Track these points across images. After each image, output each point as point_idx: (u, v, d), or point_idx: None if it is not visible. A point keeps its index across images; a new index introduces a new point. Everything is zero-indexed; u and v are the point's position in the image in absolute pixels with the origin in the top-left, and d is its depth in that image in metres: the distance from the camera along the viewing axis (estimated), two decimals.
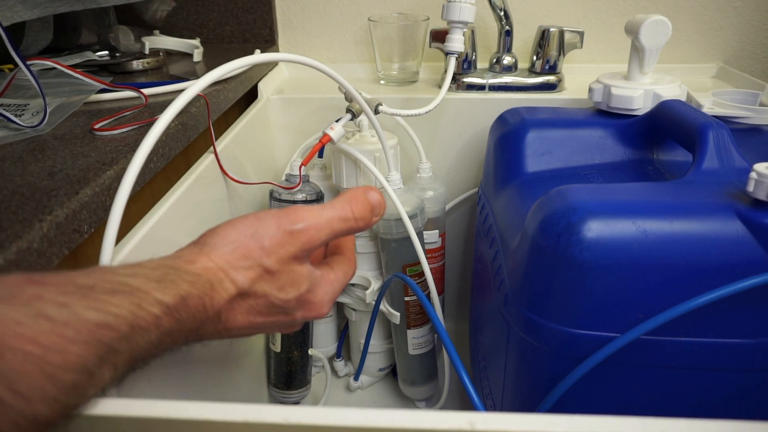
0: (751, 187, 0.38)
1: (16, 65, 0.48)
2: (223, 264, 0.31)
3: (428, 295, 0.65)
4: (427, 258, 0.64)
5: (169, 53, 0.81)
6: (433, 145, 0.80)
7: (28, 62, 0.49)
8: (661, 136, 0.57)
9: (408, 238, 0.62)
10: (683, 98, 0.61)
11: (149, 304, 0.26)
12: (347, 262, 0.42)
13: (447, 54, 0.74)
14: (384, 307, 0.70)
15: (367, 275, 0.71)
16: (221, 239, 0.32)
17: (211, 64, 0.77)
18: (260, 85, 0.79)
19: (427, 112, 0.69)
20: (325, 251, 0.45)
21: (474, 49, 0.80)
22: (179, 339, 0.29)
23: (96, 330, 0.24)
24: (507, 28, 0.79)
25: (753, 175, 0.38)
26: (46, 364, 0.22)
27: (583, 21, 0.87)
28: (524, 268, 0.44)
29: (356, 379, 0.79)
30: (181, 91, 0.40)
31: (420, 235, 0.65)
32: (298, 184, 0.62)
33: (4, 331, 0.21)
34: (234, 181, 0.61)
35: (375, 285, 0.70)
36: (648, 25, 0.59)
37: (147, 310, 0.26)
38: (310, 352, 0.73)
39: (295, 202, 0.63)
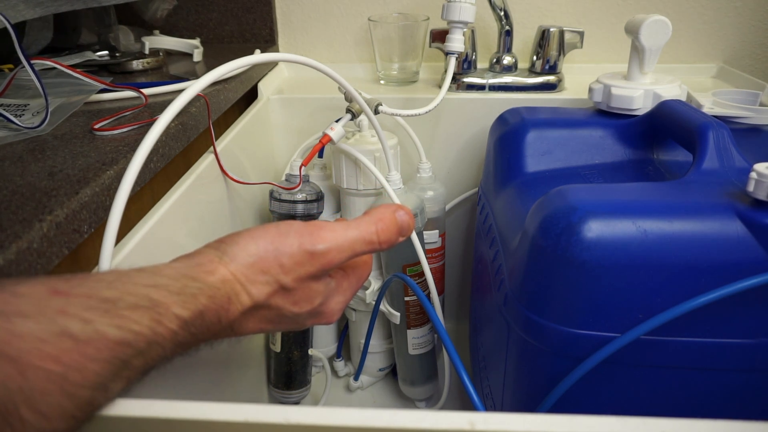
0: (751, 187, 0.38)
1: (16, 65, 0.48)
2: (240, 277, 0.31)
3: (428, 295, 0.65)
4: (427, 258, 0.64)
5: (169, 53, 0.81)
6: (433, 145, 0.80)
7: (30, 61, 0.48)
8: (661, 136, 0.57)
9: (408, 238, 0.62)
10: (683, 98, 0.61)
11: (168, 319, 0.26)
12: (363, 266, 0.41)
13: (447, 54, 0.74)
14: (384, 307, 0.70)
15: None
16: (241, 250, 0.32)
17: (211, 64, 0.77)
18: (260, 85, 0.79)
19: (427, 112, 0.69)
20: None
21: (474, 49, 0.80)
22: (191, 348, 0.29)
23: (116, 348, 0.24)
24: (507, 28, 0.79)
25: (753, 175, 0.38)
26: (67, 382, 0.22)
27: (583, 21, 0.87)
28: (524, 268, 0.44)
29: (356, 379, 0.79)
30: (181, 91, 0.40)
31: (420, 235, 0.65)
32: (299, 185, 0.62)
33: (29, 349, 0.21)
34: (234, 182, 0.61)
35: (375, 285, 0.70)
36: (648, 25, 0.59)
37: (165, 325, 0.26)
38: (310, 352, 0.73)
39: (295, 202, 0.63)
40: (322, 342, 0.81)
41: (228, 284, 0.31)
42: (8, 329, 0.21)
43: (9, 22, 0.48)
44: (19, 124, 0.47)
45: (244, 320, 0.33)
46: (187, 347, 0.29)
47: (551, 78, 0.78)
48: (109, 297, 0.25)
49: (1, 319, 0.21)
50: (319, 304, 0.36)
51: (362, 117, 0.64)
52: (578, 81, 0.81)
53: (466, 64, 0.79)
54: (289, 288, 0.33)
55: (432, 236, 0.74)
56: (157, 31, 0.81)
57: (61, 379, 0.22)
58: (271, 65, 0.86)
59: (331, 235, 0.34)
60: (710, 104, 0.62)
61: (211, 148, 0.57)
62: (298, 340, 0.71)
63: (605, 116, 0.61)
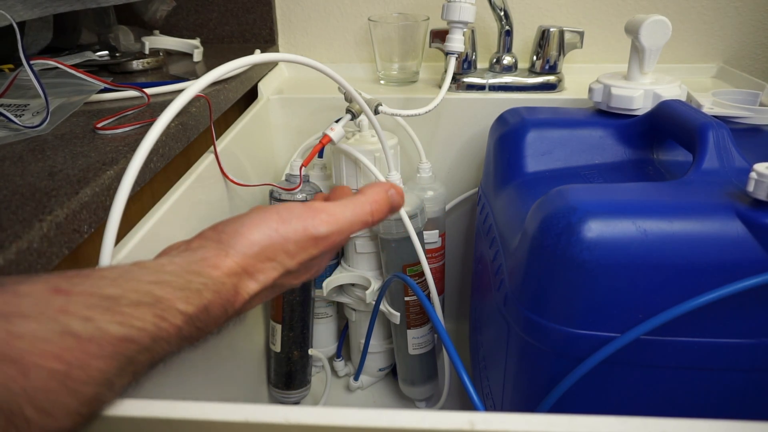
0: (751, 187, 0.38)
1: (16, 65, 0.48)
2: (247, 267, 0.32)
3: (428, 295, 0.65)
4: (427, 258, 0.64)
5: (169, 53, 0.81)
6: (433, 145, 0.80)
7: (31, 62, 0.49)
8: (661, 136, 0.57)
9: (408, 238, 0.62)
10: (683, 98, 0.61)
11: (172, 315, 0.26)
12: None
13: (447, 54, 0.74)
14: (384, 307, 0.70)
15: (367, 275, 0.71)
16: (245, 240, 0.32)
17: (211, 64, 0.77)
18: (260, 85, 0.79)
19: (427, 112, 0.69)
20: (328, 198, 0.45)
21: (474, 49, 0.80)
22: (198, 340, 0.29)
23: (119, 344, 0.24)
24: (507, 28, 0.79)
25: (753, 175, 0.38)
26: (70, 380, 0.22)
27: (583, 21, 0.87)
28: (524, 268, 0.44)
29: (356, 379, 0.79)
30: (181, 90, 0.40)
31: (420, 235, 0.65)
32: (299, 185, 0.62)
33: (30, 349, 0.21)
34: (234, 183, 0.60)
35: (375, 285, 0.70)
36: (648, 25, 0.59)
37: (170, 321, 0.26)
38: (310, 352, 0.73)
39: (295, 202, 0.63)
40: (322, 342, 0.81)
41: (235, 276, 0.31)
42: (9, 330, 0.21)
43: (14, 22, 0.48)
44: (20, 123, 0.47)
45: (250, 302, 0.33)
46: (193, 340, 0.29)
47: (551, 78, 0.78)
48: (110, 294, 0.25)
49: (2, 320, 0.21)
50: (315, 270, 0.39)
51: (362, 117, 0.64)
52: (578, 81, 0.81)
53: (466, 64, 0.79)
54: (294, 270, 0.34)
55: (432, 236, 0.74)
56: (157, 31, 0.81)
57: (64, 377, 0.22)
58: (271, 65, 0.86)
59: (332, 218, 0.35)
60: (710, 104, 0.62)
61: (212, 148, 0.57)
62: (298, 340, 0.71)
63: (605, 116, 0.61)
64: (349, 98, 0.62)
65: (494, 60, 0.81)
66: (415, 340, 0.70)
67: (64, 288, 0.24)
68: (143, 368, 0.26)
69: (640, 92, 0.59)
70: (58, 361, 0.22)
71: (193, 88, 0.39)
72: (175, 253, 0.31)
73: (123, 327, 0.24)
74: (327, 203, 0.36)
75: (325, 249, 0.35)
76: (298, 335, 0.71)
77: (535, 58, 0.79)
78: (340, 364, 0.82)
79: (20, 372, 0.21)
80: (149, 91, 0.58)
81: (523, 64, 0.82)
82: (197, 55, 0.78)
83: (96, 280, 0.25)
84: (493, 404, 0.56)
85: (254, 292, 0.32)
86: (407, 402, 0.78)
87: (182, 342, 0.28)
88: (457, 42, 0.73)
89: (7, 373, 0.21)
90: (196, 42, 0.79)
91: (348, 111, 0.62)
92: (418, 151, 0.74)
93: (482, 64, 0.83)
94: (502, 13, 0.78)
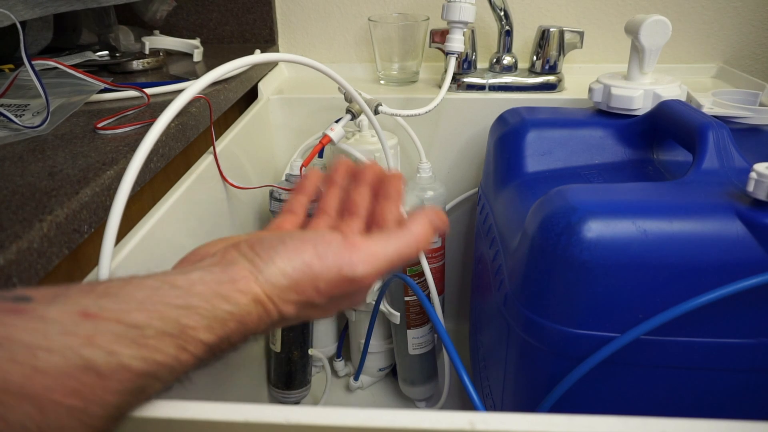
0: (751, 187, 0.38)
1: (16, 66, 0.48)
2: (274, 297, 0.31)
3: (428, 295, 0.65)
4: (427, 258, 0.64)
5: (169, 53, 0.81)
6: (433, 145, 0.80)
7: (32, 61, 0.48)
8: (661, 136, 0.57)
9: None
10: (683, 98, 0.61)
11: (194, 346, 0.26)
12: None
13: (447, 54, 0.74)
14: (384, 307, 0.70)
15: None
16: (278, 270, 0.31)
17: (211, 64, 0.77)
18: (260, 85, 0.79)
19: (427, 112, 0.69)
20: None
21: (474, 49, 0.80)
22: (212, 362, 0.29)
23: (137, 379, 0.24)
24: (507, 28, 0.79)
25: (753, 175, 0.38)
26: (86, 416, 0.22)
27: (583, 21, 0.87)
28: (524, 268, 0.44)
29: (356, 379, 0.79)
30: (181, 90, 0.40)
31: None
32: None
33: (51, 386, 0.21)
34: (234, 187, 0.60)
35: (375, 285, 0.70)
36: (648, 25, 0.59)
37: (190, 352, 0.26)
38: (310, 352, 0.73)
39: None
40: (322, 342, 0.81)
41: (261, 304, 0.30)
42: (32, 365, 0.21)
43: (17, 21, 0.48)
44: (20, 123, 0.47)
45: (268, 328, 0.32)
46: (207, 363, 0.29)
47: (551, 78, 0.78)
48: (137, 322, 0.24)
49: (27, 353, 0.21)
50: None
51: (362, 117, 0.64)
52: (578, 81, 0.81)
53: (466, 64, 0.79)
54: (320, 305, 0.33)
55: None
56: (157, 31, 0.81)
57: (81, 414, 0.22)
58: (271, 65, 0.86)
59: (371, 258, 0.33)
60: (710, 104, 0.62)
61: (211, 148, 0.57)
62: (298, 340, 0.71)
63: (605, 116, 0.61)
64: (349, 98, 0.62)
65: (494, 60, 0.81)
66: (415, 340, 0.70)
67: (93, 312, 0.23)
68: (154, 395, 0.26)
69: (640, 92, 0.59)
70: (77, 397, 0.21)
71: (192, 89, 0.39)
72: (209, 263, 0.31)
73: (145, 363, 0.24)
74: (368, 239, 0.34)
75: (359, 288, 0.33)
76: (298, 335, 0.71)
77: (535, 58, 0.79)
78: (340, 364, 0.82)
79: (38, 410, 0.21)
80: (149, 91, 0.58)
81: (523, 64, 0.82)
82: (197, 55, 0.78)
83: (124, 302, 0.25)
84: (493, 404, 0.56)
85: (275, 320, 0.31)
86: (407, 402, 0.78)
87: (197, 367, 0.27)
88: (457, 42, 0.73)
89: (25, 411, 0.20)
90: (196, 42, 0.79)
91: (348, 111, 0.62)
92: (418, 151, 0.74)
93: (482, 64, 0.83)
94: (502, 13, 0.78)
